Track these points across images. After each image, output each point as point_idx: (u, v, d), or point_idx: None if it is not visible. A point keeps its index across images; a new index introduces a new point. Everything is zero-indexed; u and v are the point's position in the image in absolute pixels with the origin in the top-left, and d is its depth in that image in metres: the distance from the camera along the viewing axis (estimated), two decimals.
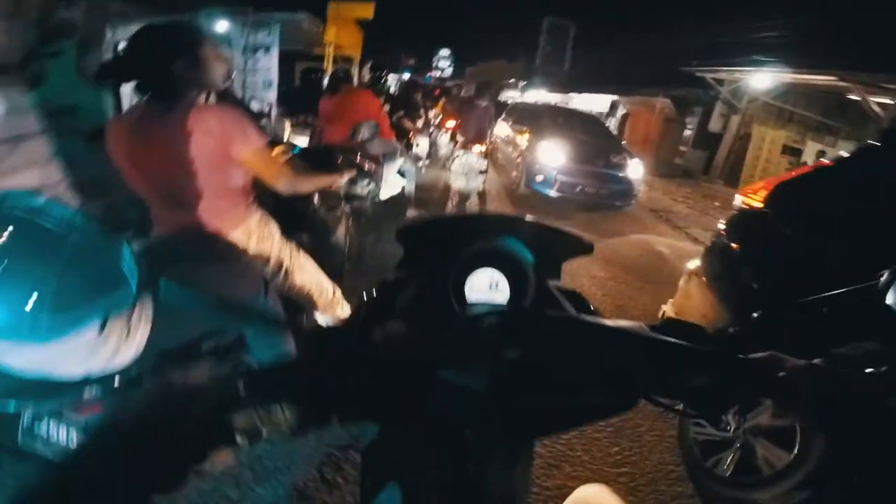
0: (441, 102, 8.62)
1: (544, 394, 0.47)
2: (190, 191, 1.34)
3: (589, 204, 6.41)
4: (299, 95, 5.30)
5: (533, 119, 7.66)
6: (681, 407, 0.48)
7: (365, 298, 0.62)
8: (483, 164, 5.40)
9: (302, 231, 2.04)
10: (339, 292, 1.85)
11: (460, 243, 0.61)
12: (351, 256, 2.59)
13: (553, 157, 6.27)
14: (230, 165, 1.36)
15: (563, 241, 0.69)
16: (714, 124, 11.89)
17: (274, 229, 1.60)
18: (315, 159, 2.26)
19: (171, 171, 1.31)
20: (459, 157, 5.38)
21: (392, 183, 3.85)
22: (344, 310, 1.81)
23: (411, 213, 4.63)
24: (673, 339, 0.47)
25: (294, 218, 1.99)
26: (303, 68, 5.42)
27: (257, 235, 1.51)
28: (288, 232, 1.71)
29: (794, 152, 11.81)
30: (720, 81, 11.10)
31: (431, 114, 8.53)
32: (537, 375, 0.45)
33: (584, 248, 0.68)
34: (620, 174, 6.42)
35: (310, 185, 1.70)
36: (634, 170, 6.52)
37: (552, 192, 6.22)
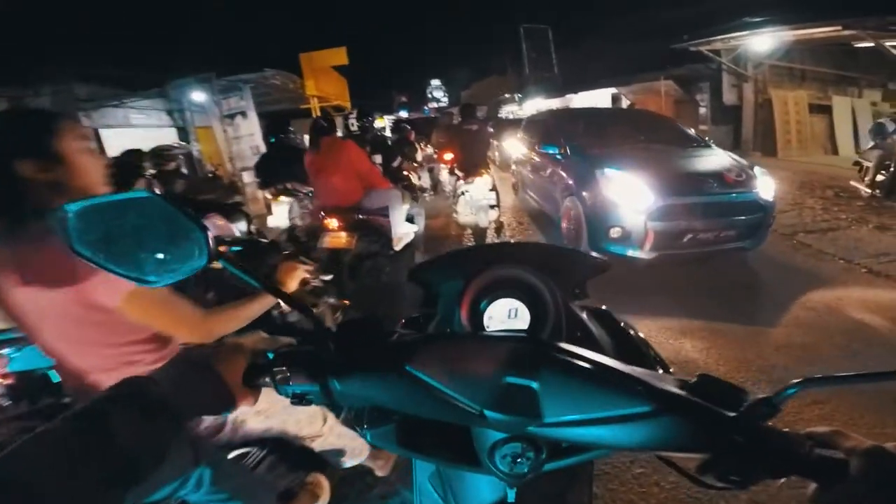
0: (434, 135, 8.16)
1: (541, 433, 0.44)
2: (59, 352, 0.98)
3: (702, 256, 3.84)
4: (271, 161, 4.74)
5: (569, 133, 4.84)
6: (696, 473, 0.44)
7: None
8: (491, 197, 4.68)
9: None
10: (330, 416, 1.45)
11: (473, 275, 0.61)
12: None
13: (635, 193, 3.61)
14: (103, 317, 0.94)
15: (578, 261, 0.73)
16: (728, 96, 11.03)
17: None
18: (259, 255, 1.92)
19: (30, 326, 0.95)
20: (463, 195, 4.69)
21: (404, 232, 3.72)
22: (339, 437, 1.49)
23: (419, 258, 4.19)
24: (703, 402, 0.43)
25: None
26: (269, 128, 4.91)
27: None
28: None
29: (822, 110, 10.99)
30: (717, 52, 10.35)
31: (430, 148, 8.11)
32: (533, 408, 0.42)
33: (602, 267, 0.72)
34: (745, 197, 3.71)
35: (232, 322, 1.11)
36: (764, 186, 3.81)
37: (644, 254, 3.60)
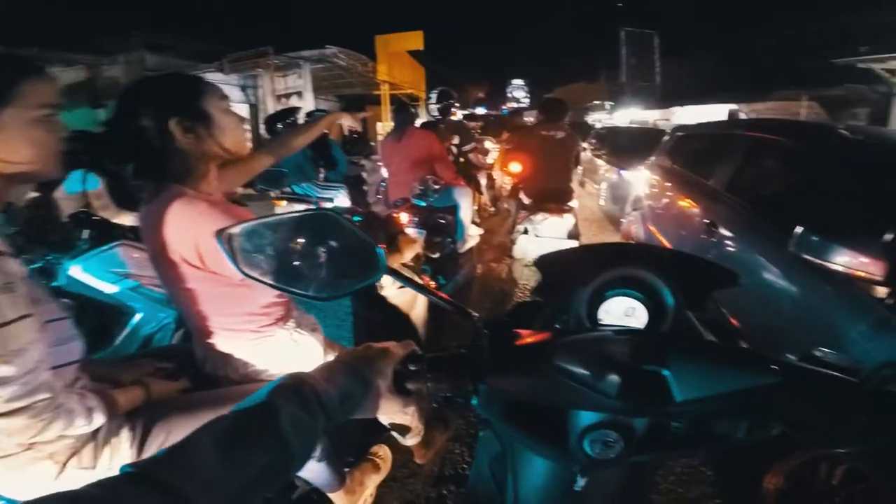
0: (504, 136, 6.71)
1: (669, 414, 0.48)
2: (186, 308, 1.06)
3: None
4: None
5: None
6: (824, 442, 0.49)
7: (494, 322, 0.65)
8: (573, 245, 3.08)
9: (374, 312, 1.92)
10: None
11: (597, 269, 0.63)
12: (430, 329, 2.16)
13: None
14: (225, 289, 1.01)
15: (707, 273, 0.71)
16: None
17: (314, 338, 1.24)
18: (375, 227, 1.98)
19: (166, 283, 1.04)
20: (526, 232, 3.15)
21: (471, 233, 3.48)
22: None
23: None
24: (830, 372, 0.46)
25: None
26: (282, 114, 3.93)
27: (286, 351, 1.18)
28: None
29: None
30: (892, 73, 8.02)
31: (492, 150, 6.73)
32: (663, 393, 0.44)
33: (732, 280, 0.71)
34: None
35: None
36: None
37: None
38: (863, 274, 1.45)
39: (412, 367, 0.51)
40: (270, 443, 0.38)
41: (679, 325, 0.61)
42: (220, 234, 0.47)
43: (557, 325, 0.68)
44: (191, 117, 0.94)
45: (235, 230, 0.46)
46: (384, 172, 5.11)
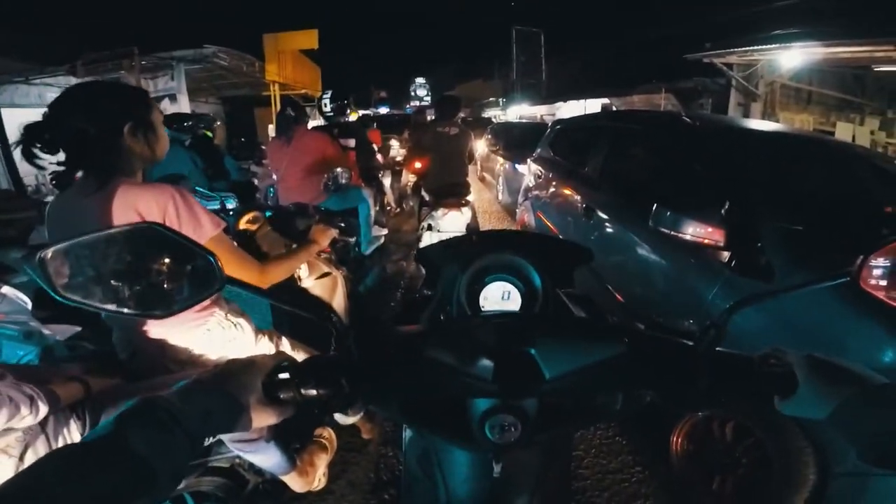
0: (406, 134, 6.82)
1: (542, 392, 0.49)
2: None
3: None
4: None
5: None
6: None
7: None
8: None
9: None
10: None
11: (471, 258, 0.67)
12: (352, 315, 2.18)
13: None
14: None
15: (568, 252, 0.78)
16: (732, 115, 10.17)
17: (245, 323, 1.34)
18: (287, 221, 1.97)
19: None
20: (430, 228, 3.22)
21: (374, 235, 3.47)
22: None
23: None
24: (679, 339, 0.51)
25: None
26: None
27: (220, 337, 1.27)
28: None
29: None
30: (730, 67, 9.44)
31: (396, 147, 6.88)
32: (534, 372, 0.47)
33: (586, 256, 0.77)
34: None
35: (283, 271, 1.39)
36: None
37: None
38: (708, 241, 1.69)
39: (281, 377, 0.50)
40: (117, 463, 0.38)
41: (549, 303, 0.65)
42: (29, 258, 0.48)
43: (442, 316, 0.70)
44: (142, 126, 1.11)
45: (48, 253, 0.42)
46: (275, 177, 4.80)
